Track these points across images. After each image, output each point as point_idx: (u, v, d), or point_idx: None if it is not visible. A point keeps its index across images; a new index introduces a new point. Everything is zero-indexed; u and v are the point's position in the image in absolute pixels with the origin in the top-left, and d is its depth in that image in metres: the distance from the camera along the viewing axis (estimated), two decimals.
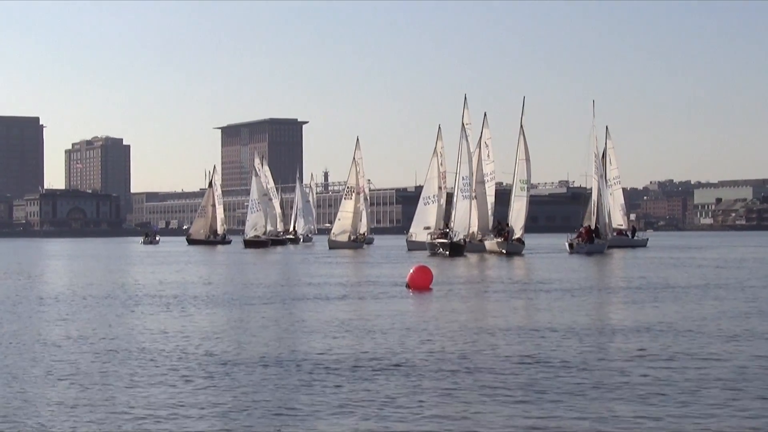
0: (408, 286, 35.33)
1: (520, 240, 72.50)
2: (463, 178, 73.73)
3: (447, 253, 68.49)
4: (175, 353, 18.57)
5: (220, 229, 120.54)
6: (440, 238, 73.52)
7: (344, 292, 34.57)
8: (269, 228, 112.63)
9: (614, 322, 24.03)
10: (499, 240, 72.47)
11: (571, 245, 75.39)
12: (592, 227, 77.59)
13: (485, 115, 79.11)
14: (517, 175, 74.02)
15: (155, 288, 37.76)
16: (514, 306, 29.06)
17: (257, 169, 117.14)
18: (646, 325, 22.90)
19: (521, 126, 73.82)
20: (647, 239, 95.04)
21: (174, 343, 20.14)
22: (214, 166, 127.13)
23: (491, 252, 71.78)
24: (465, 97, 77.53)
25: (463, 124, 75.88)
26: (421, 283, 35.35)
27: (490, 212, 77.04)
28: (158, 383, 15.36)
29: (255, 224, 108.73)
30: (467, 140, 74.52)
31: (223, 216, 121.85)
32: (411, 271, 36.37)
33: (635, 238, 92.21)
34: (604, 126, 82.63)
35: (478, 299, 31.57)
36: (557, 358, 17.56)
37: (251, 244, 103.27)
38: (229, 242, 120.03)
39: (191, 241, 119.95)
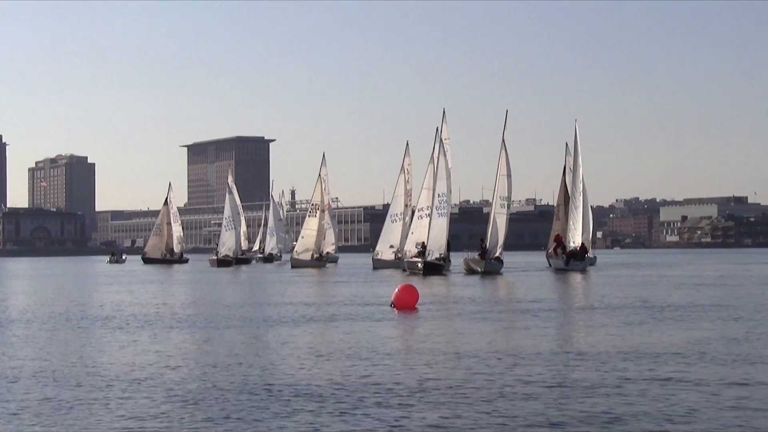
0: (393, 305, 33.55)
1: (498, 259, 69.87)
2: (439, 195, 71.21)
3: (421, 271, 66.51)
4: (148, 380, 16.65)
5: (176, 248, 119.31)
6: (417, 256, 71.36)
7: (327, 313, 32.61)
8: (237, 247, 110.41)
9: (615, 343, 22.19)
10: (475, 258, 70.42)
11: (567, 262, 74.10)
12: (570, 244, 76.51)
13: (437, 130, 77.35)
14: (498, 192, 71.26)
15: (126, 309, 35.68)
16: (510, 327, 27.29)
17: (230, 187, 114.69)
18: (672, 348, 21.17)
19: (503, 141, 71.31)
20: (595, 257, 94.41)
21: (150, 370, 18.20)
22: (170, 184, 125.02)
23: (467, 271, 69.71)
24: (444, 112, 74.04)
25: (441, 139, 73.06)
26: (407, 302, 33.55)
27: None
28: (128, 414, 13.63)
29: (225, 242, 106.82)
30: (446, 156, 71.74)
31: (180, 234, 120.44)
32: (396, 290, 34.53)
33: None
34: (576, 143, 79.64)
35: (469, 321, 29.69)
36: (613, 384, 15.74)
37: (222, 263, 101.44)
38: (186, 261, 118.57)
39: (147, 260, 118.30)
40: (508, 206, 71.50)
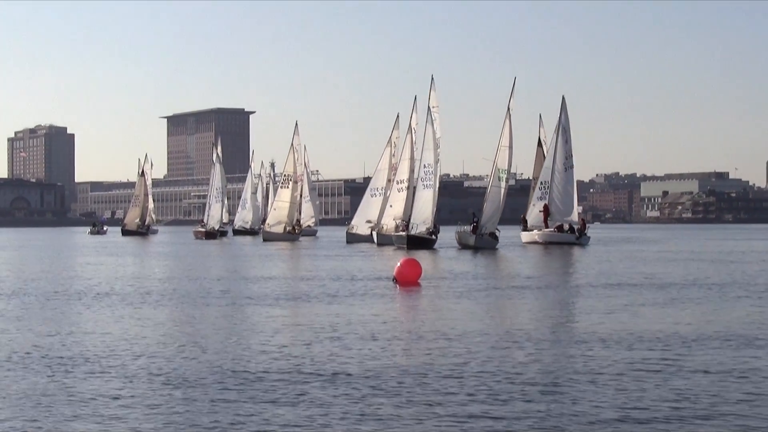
0: (395, 280, 32.76)
1: (493, 235, 67.54)
2: (425, 166, 69.00)
3: (405, 246, 65.01)
4: (123, 361, 15.84)
5: (147, 220, 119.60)
6: (405, 230, 69.86)
7: (323, 289, 31.83)
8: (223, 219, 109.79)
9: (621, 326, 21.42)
10: (468, 232, 68.62)
11: (578, 236, 73.38)
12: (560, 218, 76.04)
13: (415, 98, 75.82)
14: (498, 164, 69.25)
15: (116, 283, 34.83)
16: (522, 304, 26.55)
17: (219, 157, 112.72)
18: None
19: (508, 109, 69.34)
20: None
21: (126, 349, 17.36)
22: (146, 155, 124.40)
23: (461, 246, 67.87)
24: (432, 78, 70.50)
25: (429, 107, 70.00)
26: (409, 277, 32.75)
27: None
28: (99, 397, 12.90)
29: (213, 215, 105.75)
30: (433, 125, 68.96)
31: (151, 206, 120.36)
32: (398, 264, 33.69)
33: None
34: (568, 119, 78.10)
35: (476, 297, 28.93)
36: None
37: (210, 235, 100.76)
38: (155, 232, 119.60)
39: (125, 232, 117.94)
40: (507, 179, 69.98)
